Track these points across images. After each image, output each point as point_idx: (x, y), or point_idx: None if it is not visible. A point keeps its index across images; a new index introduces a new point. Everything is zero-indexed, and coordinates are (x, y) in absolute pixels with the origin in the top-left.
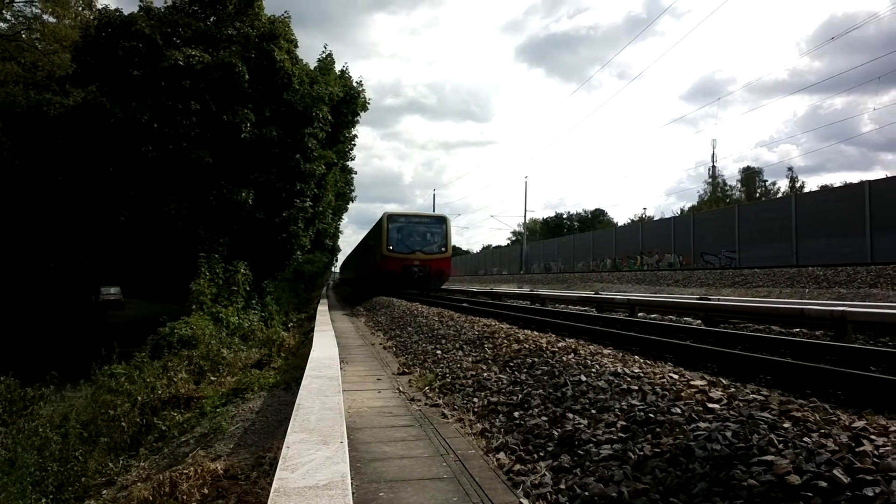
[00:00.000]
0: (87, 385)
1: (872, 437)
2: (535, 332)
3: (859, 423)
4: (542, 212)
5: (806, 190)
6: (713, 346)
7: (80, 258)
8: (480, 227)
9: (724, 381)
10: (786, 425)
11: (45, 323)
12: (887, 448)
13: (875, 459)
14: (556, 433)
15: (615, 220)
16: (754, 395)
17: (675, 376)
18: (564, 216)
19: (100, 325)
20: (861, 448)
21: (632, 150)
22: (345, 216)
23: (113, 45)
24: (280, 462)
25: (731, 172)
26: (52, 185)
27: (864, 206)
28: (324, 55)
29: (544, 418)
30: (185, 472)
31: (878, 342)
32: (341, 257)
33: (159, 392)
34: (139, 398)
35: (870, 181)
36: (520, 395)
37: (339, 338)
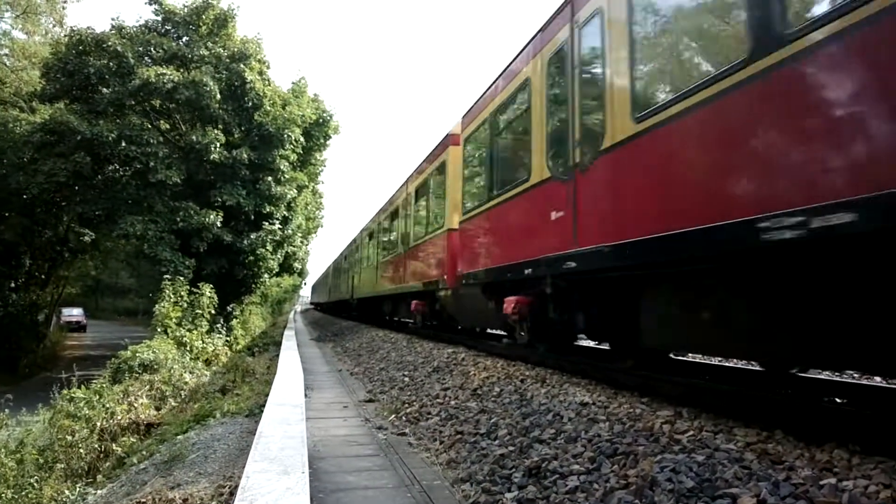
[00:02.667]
0: (45, 409)
1: (836, 469)
2: (503, 361)
3: (822, 457)
4: None
5: None
6: (680, 375)
7: (42, 278)
8: None
9: (691, 412)
10: (750, 457)
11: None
12: (847, 483)
13: (838, 492)
14: (524, 463)
15: None
16: (721, 427)
17: (643, 406)
18: None
19: (61, 348)
20: (825, 481)
21: None
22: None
23: (83, 62)
24: (239, 492)
25: None
26: (16, 204)
27: None
28: (298, 78)
29: (511, 448)
30: (142, 501)
31: (842, 373)
32: (310, 280)
33: (119, 417)
34: (98, 423)
35: None
36: (487, 424)
37: (305, 364)
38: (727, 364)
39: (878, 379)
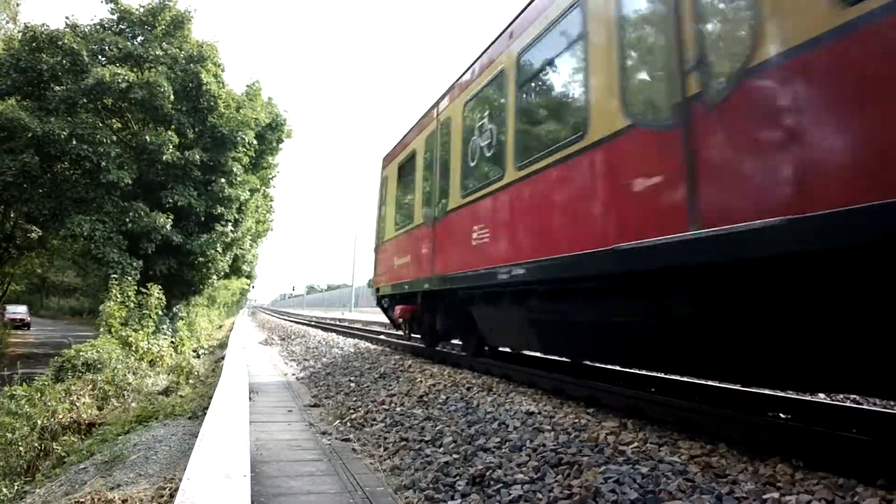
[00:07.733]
0: None
1: (779, 484)
2: (450, 368)
3: (766, 471)
4: None
5: None
6: (626, 387)
7: None
8: None
9: (636, 423)
10: (693, 470)
11: None
12: (790, 498)
13: None
14: (468, 471)
15: None
16: (665, 439)
17: (589, 416)
18: None
19: (4, 345)
20: (768, 496)
21: None
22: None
23: (37, 58)
24: (179, 495)
25: None
26: None
27: None
28: (252, 82)
29: (456, 456)
30: (81, 500)
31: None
32: (258, 283)
33: (60, 416)
34: (39, 422)
35: None
36: (432, 432)
37: (251, 367)
38: (674, 378)
39: (822, 396)
